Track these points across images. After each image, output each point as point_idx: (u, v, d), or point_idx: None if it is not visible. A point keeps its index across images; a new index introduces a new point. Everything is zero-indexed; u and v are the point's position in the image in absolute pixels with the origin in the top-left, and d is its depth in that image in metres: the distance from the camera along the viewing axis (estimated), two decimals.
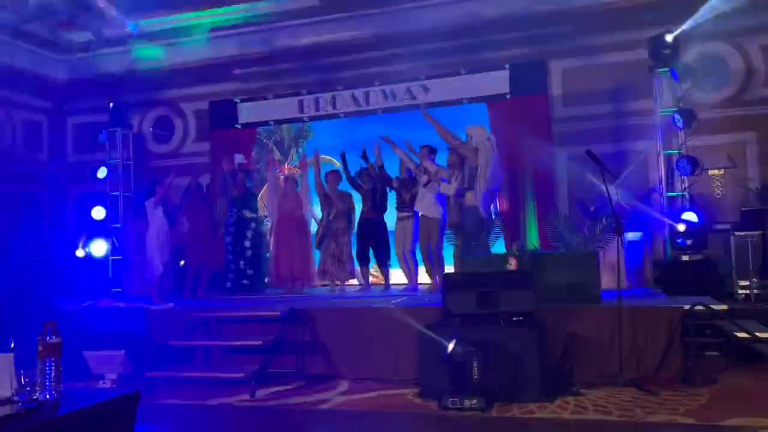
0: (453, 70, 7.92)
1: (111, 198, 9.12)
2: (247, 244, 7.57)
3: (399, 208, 7.34)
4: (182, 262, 7.77)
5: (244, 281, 7.52)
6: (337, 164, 8.06)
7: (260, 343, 5.43)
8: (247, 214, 7.67)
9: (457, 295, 4.93)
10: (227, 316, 5.92)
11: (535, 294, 4.86)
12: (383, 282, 7.66)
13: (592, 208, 6.73)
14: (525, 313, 4.82)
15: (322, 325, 5.65)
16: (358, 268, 7.66)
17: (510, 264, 5.53)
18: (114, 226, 9.05)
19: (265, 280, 7.79)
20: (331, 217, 7.56)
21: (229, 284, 7.57)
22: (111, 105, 9.17)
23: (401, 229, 7.24)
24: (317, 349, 5.61)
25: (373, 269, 7.81)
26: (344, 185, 7.69)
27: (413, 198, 7.15)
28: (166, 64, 9.01)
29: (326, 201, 7.65)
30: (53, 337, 2.23)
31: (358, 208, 7.67)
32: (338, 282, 7.55)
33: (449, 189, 6.61)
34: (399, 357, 5.35)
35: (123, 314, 6.31)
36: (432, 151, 7.10)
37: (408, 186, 7.24)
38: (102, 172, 9.10)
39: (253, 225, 7.67)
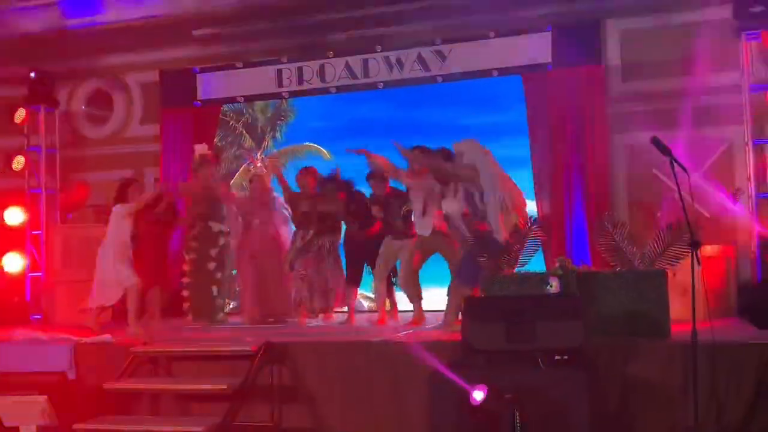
0: (479, 32, 7.96)
1: (30, 196, 9.15)
2: (211, 266, 7.59)
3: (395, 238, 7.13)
4: None
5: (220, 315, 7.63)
6: (326, 155, 8.07)
7: (224, 387, 5.46)
8: (215, 227, 7.66)
9: (481, 325, 4.95)
10: (181, 352, 5.95)
11: (583, 325, 4.88)
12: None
13: (659, 214, 6.73)
14: (570, 349, 4.84)
15: (306, 364, 5.68)
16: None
17: (551, 286, 5.54)
18: (34, 233, 9.09)
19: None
20: (310, 235, 7.41)
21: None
22: (32, 75, 9.21)
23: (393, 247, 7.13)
24: (298, 396, 5.64)
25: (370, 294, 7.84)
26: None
27: (408, 219, 7.01)
28: (104, 22, 9.07)
29: (304, 215, 7.48)
30: None
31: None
32: (320, 315, 7.56)
33: (453, 206, 6.57)
34: (405, 406, 5.38)
35: (45, 349, 6.35)
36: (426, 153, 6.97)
37: (394, 207, 7.03)
38: (19, 163, 9.14)
39: (222, 241, 7.68)
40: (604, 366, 5.11)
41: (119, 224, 6.93)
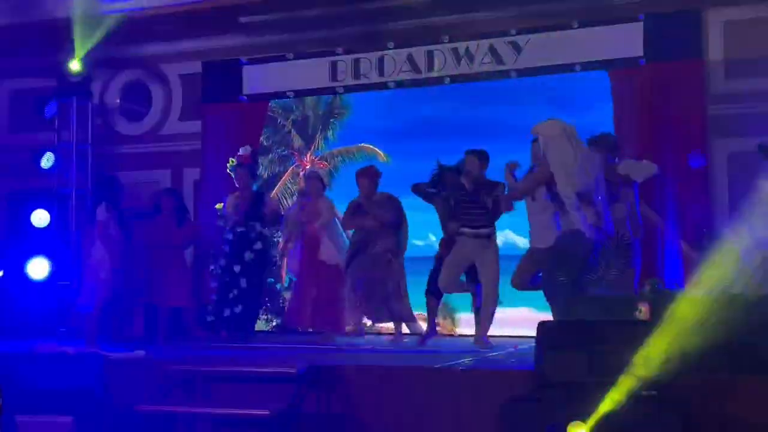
0: (559, 22, 7.94)
1: (59, 197, 9.34)
2: (237, 268, 7.68)
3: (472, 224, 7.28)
4: None
5: (225, 318, 7.70)
6: (382, 156, 8.08)
7: (266, 413, 5.51)
8: (257, 226, 7.78)
9: (558, 353, 4.91)
10: (220, 372, 6.03)
11: (676, 357, 4.80)
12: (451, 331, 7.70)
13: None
14: (661, 384, 4.76)
15: (357, 391, 5.69)
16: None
17: (640, 311, 5.47)
18: (62, 237, 9.27)
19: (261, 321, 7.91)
20: (362, 234, 7.56)
21: (211, 318, 7.81)
22: (74, 65, 9.36)
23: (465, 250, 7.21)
24: (348, 426, 5.65)
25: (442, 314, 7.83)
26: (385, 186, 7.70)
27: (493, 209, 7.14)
28: (141, 7, 9.25)
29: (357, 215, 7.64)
30: None
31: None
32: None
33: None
34: None
35: (71, 364, 6.47)
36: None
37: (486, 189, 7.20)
38: (48, 161, 9.33)
39: (258, 245, 7.79)
40: (699, 406, 5.00)
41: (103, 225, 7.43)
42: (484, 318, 7.18)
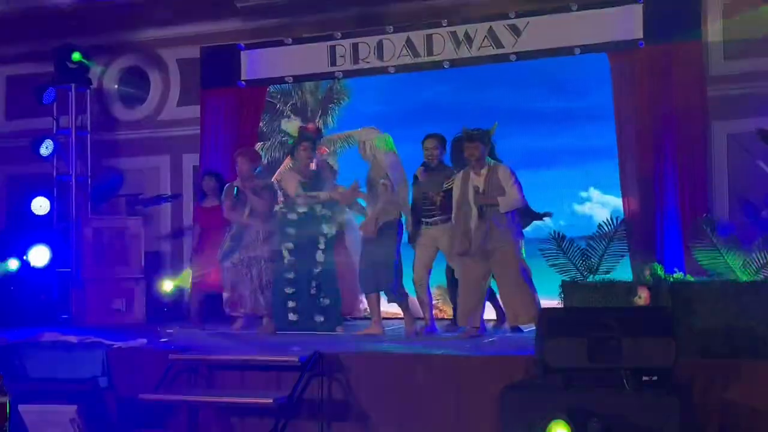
0: (559, 4, 7.89)
1: (59, 184, 9.36)
2: (320, 256, 7.20)
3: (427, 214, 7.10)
4: None
5: (318, 317, 7.21)
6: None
7: (270, 401, 5.55)
8: (319, 210, 7.27)
9: (559, 340, 4.92)
10: (223, 361, 6.07)
11: (676, 343, 4.83)
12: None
13: (765, 213, 6.60)
14: (661, 370, 4.79)
15: (359, 378, 5.75)
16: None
17: (640, 297, 5.50)
18: (62, 224, 9.30)
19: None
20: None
21: (294, 317, 7.31)
22: (76, 54, 9.34)
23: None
24: (351, 413, 5.72)
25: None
26: None
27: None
28: None
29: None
30: None
31: None
32: None
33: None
34: (469, 428, 5.41)
35: (74, 353, 6.51)
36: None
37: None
38: (47, 147, 9.34)
39: (327, 228, 7.26)
40: (699, 390, 5.05)
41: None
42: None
